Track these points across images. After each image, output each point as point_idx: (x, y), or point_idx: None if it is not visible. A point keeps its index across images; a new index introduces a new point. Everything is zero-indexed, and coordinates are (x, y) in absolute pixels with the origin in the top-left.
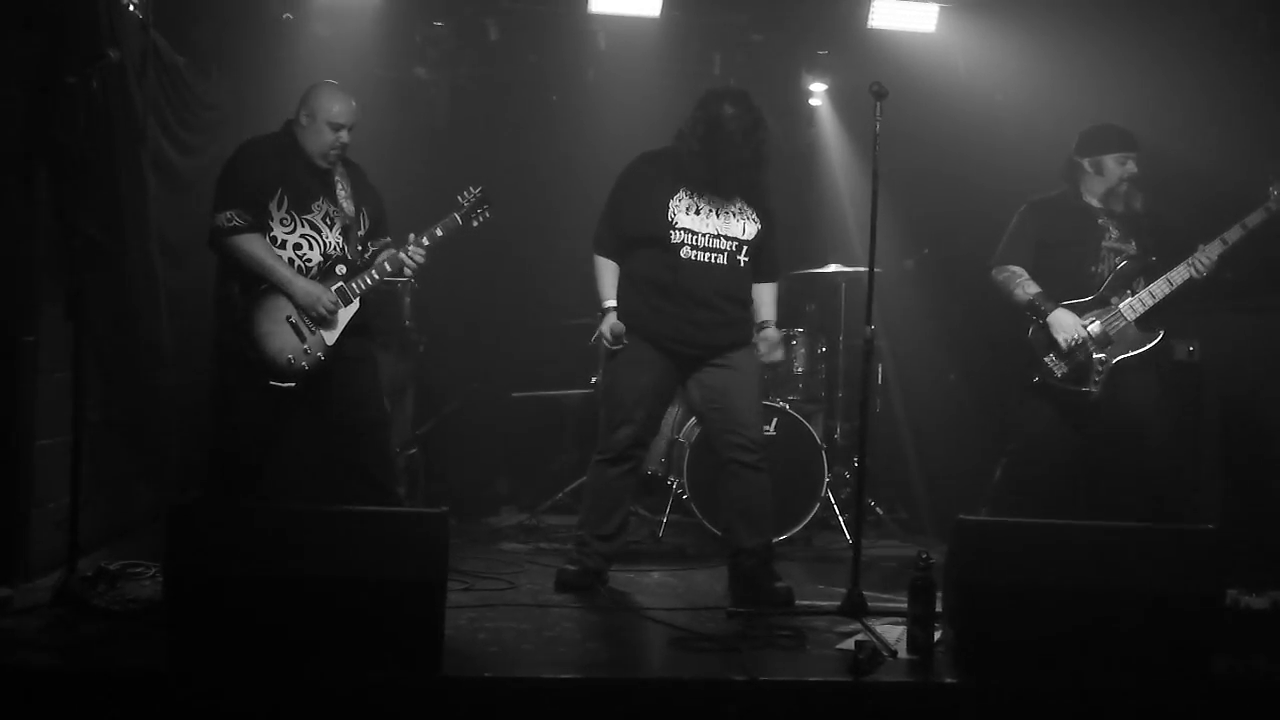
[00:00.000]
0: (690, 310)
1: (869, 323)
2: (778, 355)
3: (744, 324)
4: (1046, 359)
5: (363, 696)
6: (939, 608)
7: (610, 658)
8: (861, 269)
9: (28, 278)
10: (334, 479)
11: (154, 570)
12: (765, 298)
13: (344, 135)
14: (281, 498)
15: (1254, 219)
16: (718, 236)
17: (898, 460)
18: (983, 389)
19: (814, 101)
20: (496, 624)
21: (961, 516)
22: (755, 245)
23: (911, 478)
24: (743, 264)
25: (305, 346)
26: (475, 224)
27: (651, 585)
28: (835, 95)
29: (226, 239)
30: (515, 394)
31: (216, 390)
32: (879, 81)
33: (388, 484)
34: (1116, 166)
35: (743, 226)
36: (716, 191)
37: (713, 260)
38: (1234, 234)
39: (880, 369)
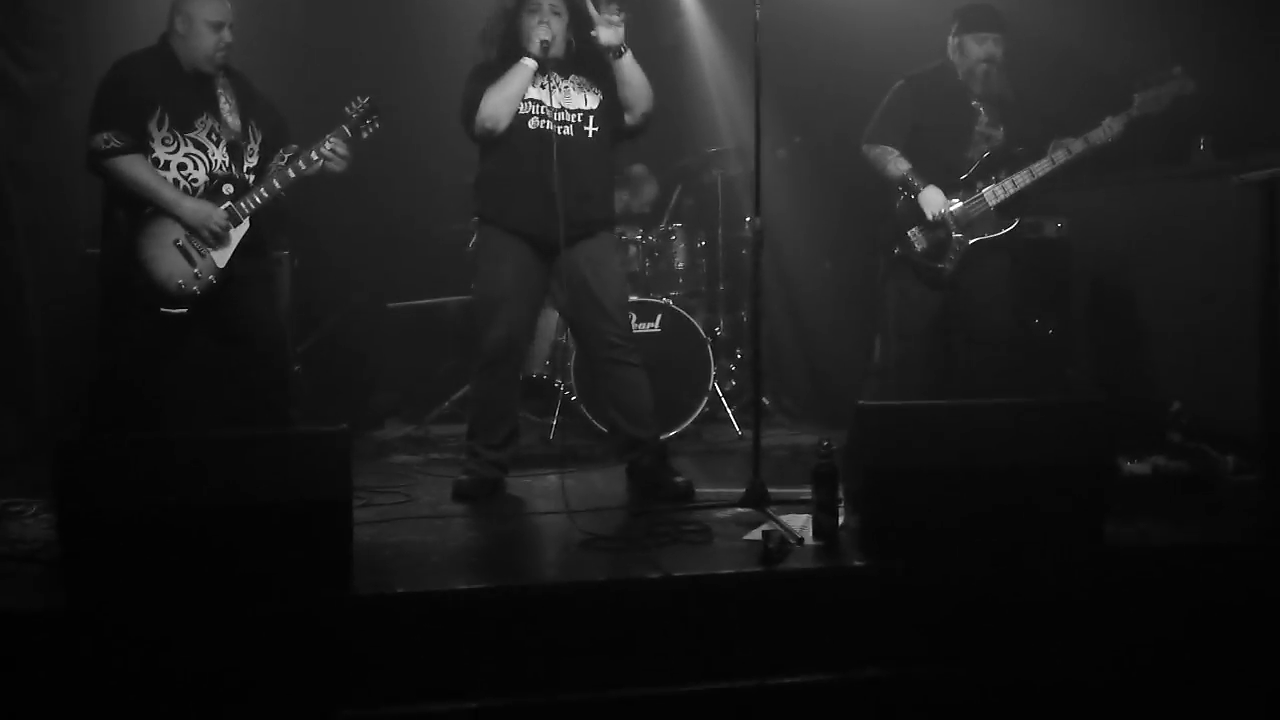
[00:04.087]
0: (545, 185)
1: (757, 213)
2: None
3: (603, 203)
4: (910, 232)
5: (274, 622)
6: (841, 493)
7: (521, 564)
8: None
9: None
10: (226, 402)
11: (35, 507)
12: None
13: (226, 34)
14: (173, 425)
15: (1116, 122)
16: (562, 110)
17: (780, 350)
18: (858, 275)
19: None
20: (400, 538)
21: (861, 402)
22: (603, 112)
23: (795, 367)
24: (591, 135)
25: (195, 270)
26: (365, 135)
27: (549, 489)
28: None
29: (104, 161)
30: (391, 304)
31: (100, 318)
32: None
33: (282, 406)
34: (976, 46)
35: (584, 98)
36: (554, 68)
37: (561, 131)
38: (1096, 135)
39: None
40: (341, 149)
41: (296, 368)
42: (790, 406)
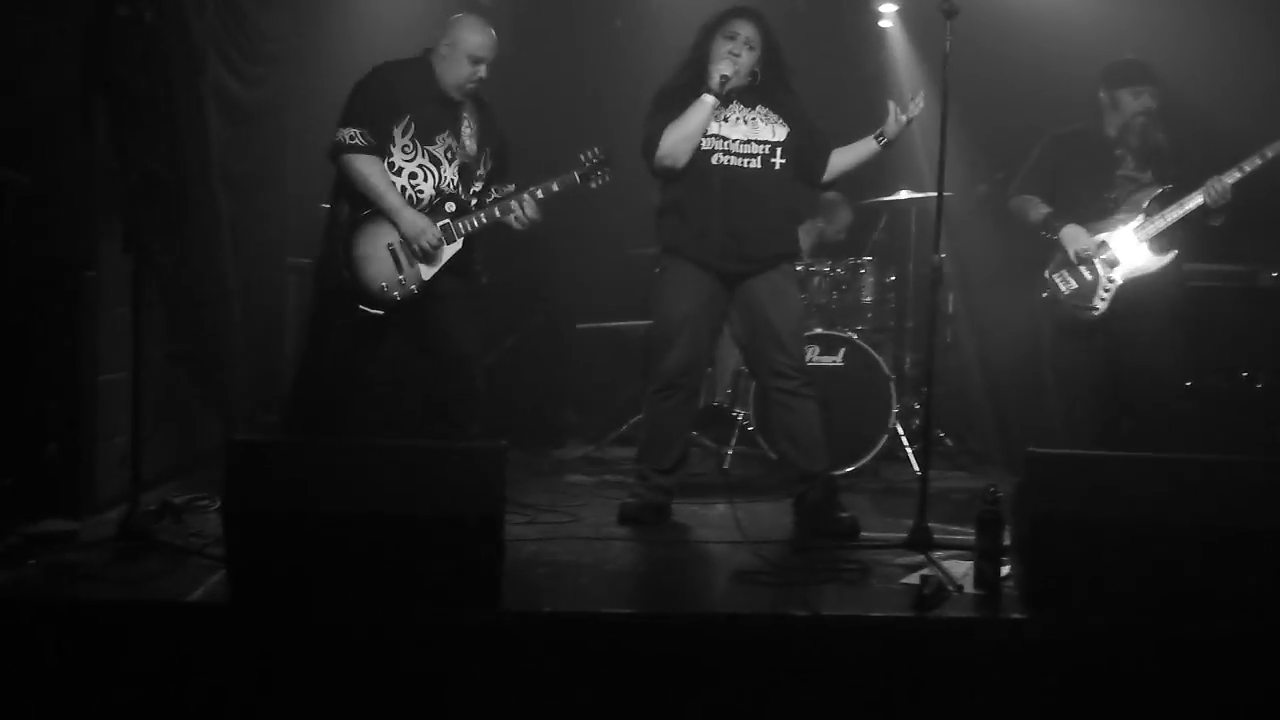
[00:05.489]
0: (728, 219)
1: (937, 251)
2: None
3: (786, 236)
4: (1056, 276)
5: (421, 632)
6: (1007, 541)
7: (671, 592)
8: (931, 194)
9: (88, 213)
10: (411, 410)
11: (219, 504)
12: (844, 154)
13: (482, 70)
14: (360, 430)
15: (1273, 149)
16: (748, 141)
17: (968, 391)
18: None
19: (884, 23)
20: (558, 557)
21: (1032, 449)
22: (790, 147)
23: (982, 408)
24: (778, 167)
25: (401, 277)
26: (594, 185)
27: (715, 518)
28: (906, 15)
29: (343, 155)
30: (580, 325)
31: (311, 310)
32: None
33: (464, 422)
34: (1132, 100)
35: (772, 130)
36: (739, 100)
37: (746, 165)
38: (1251, 163)
39: (950, 298)
40: (531, 210)
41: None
42: (976, 449)
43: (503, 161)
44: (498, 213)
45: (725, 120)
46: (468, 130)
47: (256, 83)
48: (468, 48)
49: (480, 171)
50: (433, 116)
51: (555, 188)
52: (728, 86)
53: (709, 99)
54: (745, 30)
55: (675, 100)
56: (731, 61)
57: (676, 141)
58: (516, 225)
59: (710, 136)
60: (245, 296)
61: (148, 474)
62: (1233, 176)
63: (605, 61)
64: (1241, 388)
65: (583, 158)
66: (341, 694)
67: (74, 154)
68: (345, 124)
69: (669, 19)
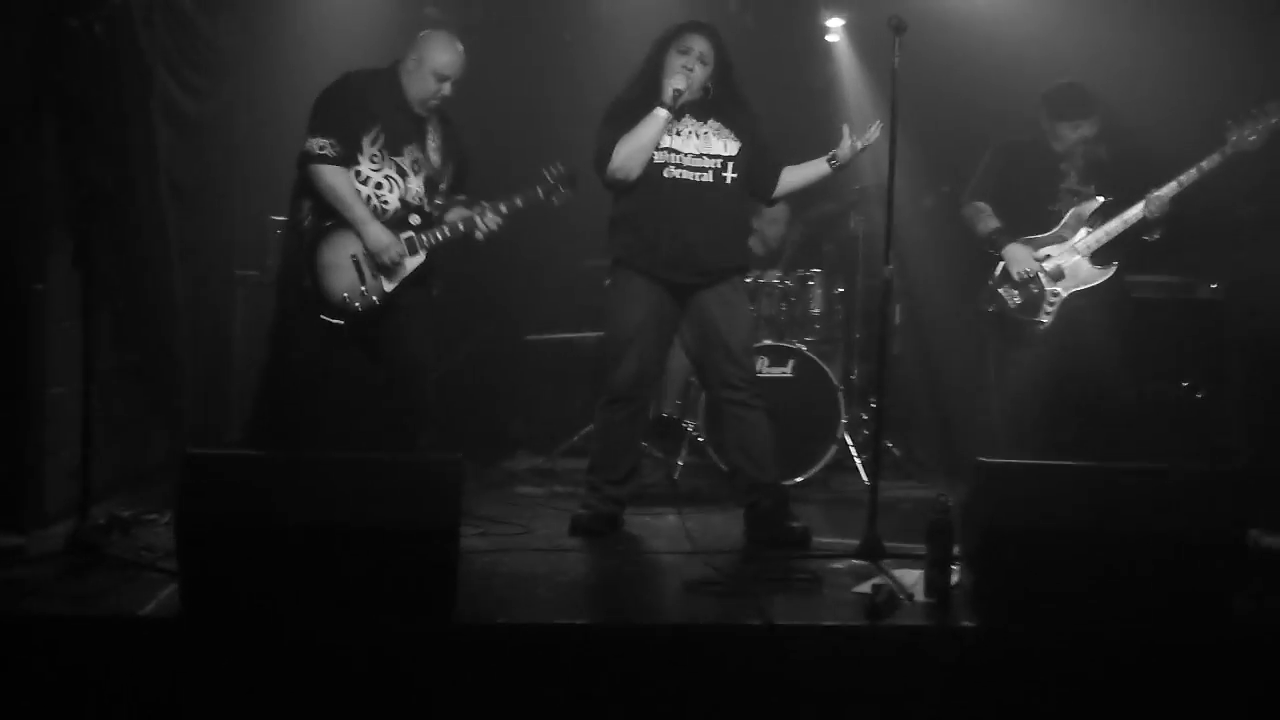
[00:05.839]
0: (679, 232)
1: (887, 262)
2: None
3: (737, 249)
4: (1001, 290)
5: (376, 644)
6: (957, 551)
7: (624, 603)
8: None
9: (37, 226)
10: (361, 420)
11: (167, 518)
12: (795, 172)
13: (446, 87)
14: (320, 439)
15: (1209, 162)
16: (700, 155)
17: (915, 401)
18: None
19: (831, 38)
20: (511, 569)
21: (981, 458)
22: (741, 161)
23: (929, 419)
24: (729, 181)
25: (363, 288)
26: (555, 201)
27: (667, 529)
28: (854, 30)
29: (312, 165)
30: (530, 337)
31: (274, 321)
32: (898, 15)
33: (415, 432)
34: (1071, 133)
35: (724, 144)
36: (692, 114)
37: (698, 179)
38: (1189, 176)
39: (897, 309)
40: (494, 224)
41: None
42: (923, 459)
43: (461, 176)
44: (461, 226)
45: (678, 134)
46: (433, 144)
47: (205, 94)
48: (434, 65)
49: (443, 185)
50: (401, 128)
51: (519, 203)
52: (680, 100)
53: (661, 112)
54: (699, 45)
55: (628, 113)
56: (684, 75)
57: (629, 154)
58: (478, 236)
59: (662, 150)
60: (193, 308)
61: (95, 488)
62: (1170, 190)
63: (555, 75)
64: (1182, 397)
65: (546, 174)
66: (297, 707)
67: (22, 167)
68: (315, 133)
69: (618, 32)
